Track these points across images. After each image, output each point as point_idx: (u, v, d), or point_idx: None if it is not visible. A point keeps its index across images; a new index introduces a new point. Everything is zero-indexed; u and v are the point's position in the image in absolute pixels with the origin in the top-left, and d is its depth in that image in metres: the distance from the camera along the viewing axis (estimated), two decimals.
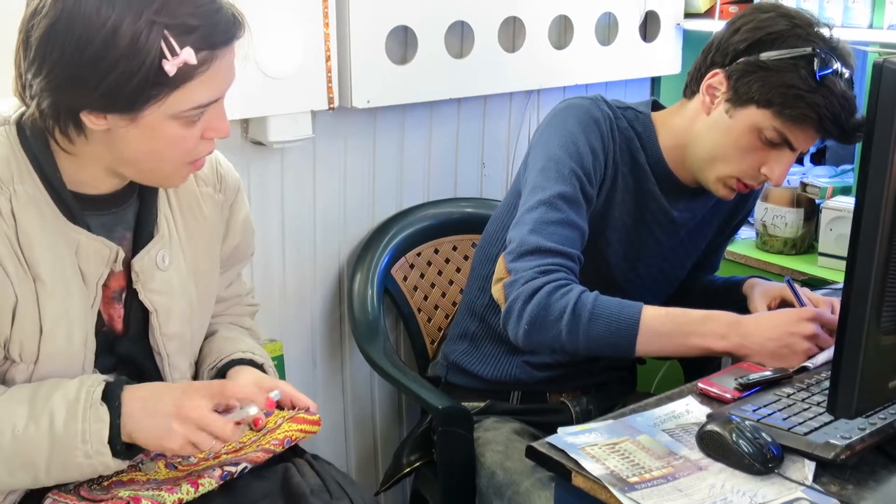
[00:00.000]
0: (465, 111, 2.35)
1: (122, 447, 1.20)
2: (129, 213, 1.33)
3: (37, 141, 1.23)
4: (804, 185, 2.30)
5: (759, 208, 2.28)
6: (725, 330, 1.49)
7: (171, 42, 1.11)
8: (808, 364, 1.44)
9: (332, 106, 2.01)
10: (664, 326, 1.50)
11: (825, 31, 1.55)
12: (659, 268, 1.79)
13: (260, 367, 1.45)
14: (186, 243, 1.39)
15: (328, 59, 1.98)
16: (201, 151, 1.26)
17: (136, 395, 1.22)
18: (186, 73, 1.14)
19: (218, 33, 1.16)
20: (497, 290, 1.60)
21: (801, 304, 1.61)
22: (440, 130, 2.33)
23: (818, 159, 2.70)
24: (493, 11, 2.22)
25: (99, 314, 1.31)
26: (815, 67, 1.50)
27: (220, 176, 1.44)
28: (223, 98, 1.24)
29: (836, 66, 1.51)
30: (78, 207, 1.26)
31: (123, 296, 1.34)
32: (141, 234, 1.33)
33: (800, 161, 2.71)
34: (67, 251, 1.25)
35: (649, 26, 2.53)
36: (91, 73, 1.12)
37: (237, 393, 1.27)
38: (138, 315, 1.35)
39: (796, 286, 1.64)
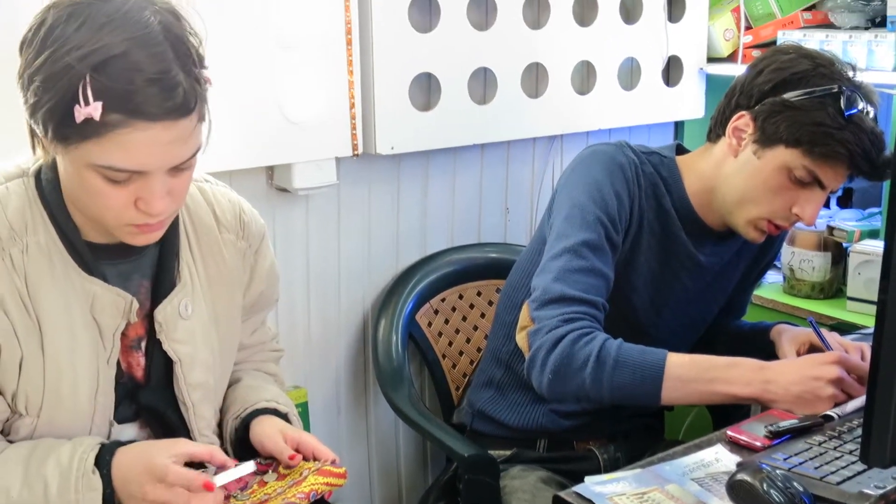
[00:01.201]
0: (488, 157, 2.36)
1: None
2: (147, 261, 1.32)
3: (52, 192, 1.24)
4: (831, 229, 2.28)
5: (786, 252, 2.26)
6: (750, 376, 1.47)
7: (87, 90, 1.08)
8: (836, 413, 1.42)
9: (356, 153, 2.02)
10: (689, 373, 1.49)
11: (848, 70, 1.55)
12: (685, 312, 1.77)
13: (284, 416, 1.44)
14: (208, 290, 1.38)
15: (352, 106, 1.99)
16: (135, 219, 1.20)
17: (123, 461, 1.21)
18: (96, 127, 1.10)
19: (142, 104, 1.10)
20: (521, 339, 1.59)
21: (826, 346, 1.59)
22: (464, 176, 2.33)
23: (845, 202, 2.67)
24: (516, 58, 2.23)
25: (119, 365, 1.31)
26: (843, 105, 1.50)
27: (244, 223, 1.43)
28: (158, 173, 1.16)
29: (862, 103, 1.51)
30: (92, 258, 1.26)
31: (143, 344, 1.33)
32: (161, 281, 1.32)
33: (826, 205, 2.69)
34: (79, 304, 1.25)
35: (672, 71, 2.54)
36: (35, 87, 1.11)
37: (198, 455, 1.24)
38: (160, 364, 1.34)
39: (821, 329, 1.62)
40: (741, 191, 1.61)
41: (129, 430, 1.35)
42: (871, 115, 1.54)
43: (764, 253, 1.85)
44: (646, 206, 1.67)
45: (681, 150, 1.76)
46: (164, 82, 1.10)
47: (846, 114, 1.50)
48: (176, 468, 1.19)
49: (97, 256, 1.27)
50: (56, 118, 1.11)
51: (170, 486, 1.18)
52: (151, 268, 1.33)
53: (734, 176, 1.62)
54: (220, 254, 1.40)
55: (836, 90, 1.51)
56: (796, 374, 1.46)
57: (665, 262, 1.71)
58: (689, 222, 1.69)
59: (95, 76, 1.08)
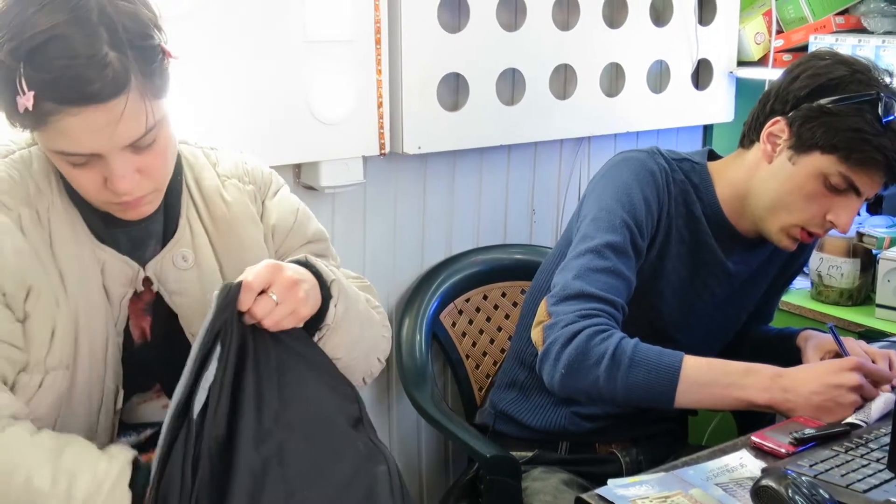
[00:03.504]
0: (515, 158, 2.36)
1: None
2: (158, 225, 1.33)
3: None
4: (860, 235, 2.26)
5: (815, 258, 2.24)
6: (768, 383, 1.46)
7: (22, 81, 1.10)
8: (861, 422, 1.41)
9: (383, 152, 2.02)
10: (705, 377, 1.47)
11: (885, 77, 1.54)
12: (713, 320, 1.76)
13: (302, 261, 1.32)
14: (216, 236, 1.38)
15: (380, 105, 2.00)
16: (111, 198, 1.21)
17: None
18: (35, 118, 1.12)
19: (66, 90, 1.10)
20: (536, 333, 1.58)
21: (845, 353, 1.57)
22: (490, 177, 2.33)
23: (875, 209, 2.65)
24: (545, 59, 2.22)
25: (129, 331, 1.32)
26: (880, 111, 1.48)
27: (246, 170, 1.44)
28: (113, 154, 1.17)
29: None
30: (102, 226, 1.28)
31: (152, 305, 1.34)
32: (166, 240, 1.34)
33: None
34: (95, 270, 1.27)
35: (701, 74, 2.52)
36: None
37: None
38: (163, 320, 1.35)
39: (841, 337, 1.61)
40: (775, 197, 1.59)
41: (144, 397, 1.36)
42: None
43: (793, 260, 1.83)
44: (675, 213, 1.66)
45: (712, 155, 1.75)
46: (91, 66, 1.10)
47: (884, 120, 1.48)
48: None
49: (109, 224, 1.28)
50: (6, 108, 1.14)
51: None
52: (160, 231, 1.34)
53: (768, 182, 1.60)
54: (220, 197, 1.39)
55: (873, 96, 1.50)
56: (816, 383, 1.44)
57: (694, 269, 1.69)
58: (719, 229, 1.68)
59: (28, 67, 1.09)
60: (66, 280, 1.25)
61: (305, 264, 1.32)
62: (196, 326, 1.32)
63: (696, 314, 1.73)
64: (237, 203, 1.41)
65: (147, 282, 1.33)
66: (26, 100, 1.10)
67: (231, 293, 1.21)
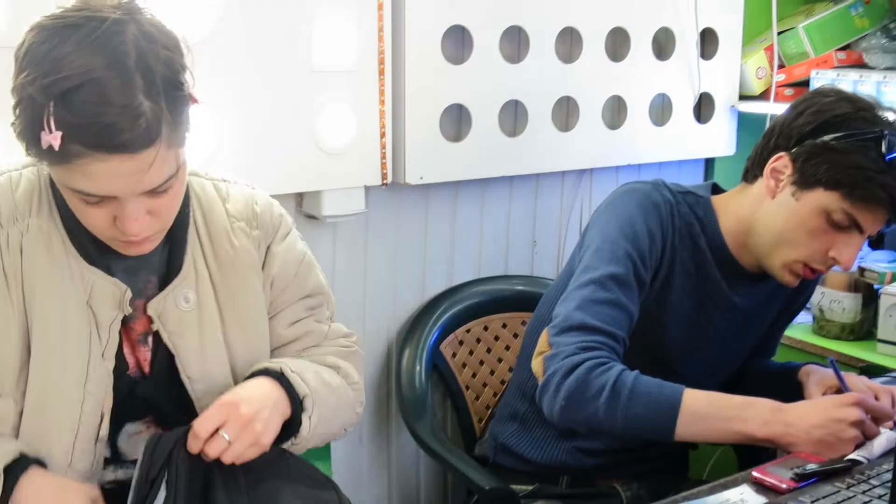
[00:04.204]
0: (517, 189, 2.36)
1: None
2: (155, 258, 1.33)
3: None
4: (862, 270, 2.26)
5: (816, 293, 2.24)
6: (769, 417, 1.45)
7: (50, 119, 1.09)
8: (863, 458, 1.40)
9: (385, 182, 2.03)
10: (705, 409, 1.47)
11: (889, 115, 1.54)
12: (717, 353, 1.75)
13: (276, 373, 1.35)
14: (220, 280, 1.37)
15: (383, 135, 2.00)
16: (118, 236, 1.22)
17: (36, 485, 1.22)
18: (58, 156, 1.11)
19: (96, 136, 1.09)
20: (537, 364, 1.57)
21: (845, 388, 1.57)
22: (492, 208, 2.33)
23: (877, 244, 2.65)
24: (547, 91, 2.23)
25: (123, 359, 1.32)
26: (884, 149, 1.48)
27: (255, 213, 1.42)
28: (131, 199, 1.17)
29: None
30: (96, 251, 1.28)
31: (150, 339, 1.34)
32: (170, 276, 1.34)
33: None
34: (76, 292, 1.26)
35: (703, 108, 2.53)
36: (14, 104, 1.13)
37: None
38: (163, 357, 1.34)
39: (842, 372, 1.60)
40: (778, 233, 1.59)
41: (136, 427, 1.36)
42: None
43: (798, 294, 1.83)
44: (679, 246, 1.65)
45: (716, 189, 1.75)
46: (126, 115, 1.09)
47: (887, 158, 1.48)
48: None
49: (103, 250, 1.28)
50: (27, 140, 1.13)
51: None
52: (160, 264, 1.34)
53: (771, 217, 1.60)
54: (228, 242, 1.38)
55: (877, 134, 1.49)
56: (817, 417, 1.43)
57: (699, 302, 1.69)
58: (723, 263, 1.68)
59: (58, 107, 1.09)
60: (34, 306, 1.24)
61: (279, 376, 1.35)
62: (192, 369, 1.35)
63: (699, 347, 1.72)
64: (243, 250, 1.40)
65: (138, 310, 1.32)
66: (53, 138, 1.09)
67: (160, 444, 1.24)
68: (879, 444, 1.43)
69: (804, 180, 1.55)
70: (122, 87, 1.09)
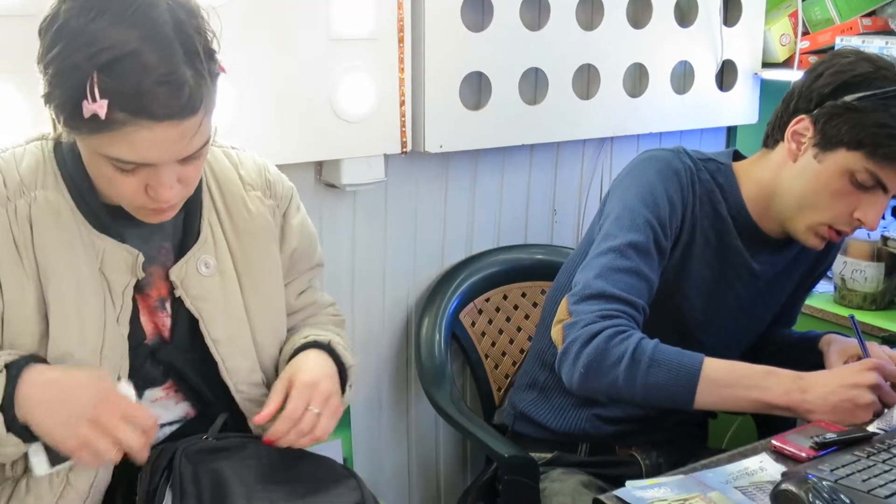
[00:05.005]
0: (537, 158, 2.35)
1: (13, 419, 1.17)
2: (169, 224, 1.35)
3: (72, 155, 1.27)
4: (885, 239, 2.24)
5: (838, 262, 2.23)
6: (788, 385, 1.45)
7: (95, 88, 1.10)
8: (882, 430, 1.40)
9: (405, 150, 2.02)
10: (725, 378, 1.47)
11: None
12: (737, 321, 1.75)
13: (327, 346, 1.46)
14: (236, 245, 1.40)
15: (402, 103, 1.99)
16: (147, 203, 1.23)
17: (40, 379, 1.19)
18: (101, 124, 1.12)
19: (145, 104, 1.12)
20: (556, 331, 1.57)
21: (864, 350, 1.57)
22: (512, 176, 2.32)
23: None
24: (568, 59, 2.22)
25: (140, 325, 1.33)
26: None
27: (269, 182, 1.46)
28: (166, 166, 1.19)
29: None
30: (109, 218, 1.29)
31: (168, 305, 1.36)
32: (185, 243, 1.36)
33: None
34: (88, 259, 1.27)
35: (726, 75, 2.51)
36: (47, 75, 1.14)
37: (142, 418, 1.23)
38: (184, 322, 1.36)
39: (862, 335, 1.60)
40: (801, 196, 1.58)
41: (156, 393, 1.38)
42: None
43: (819, 261, 1.82)
44: (700, 213, 1.65)
45: (738, 156, 1.74)
46: (171, 83, 1.12)
47: None
48: (141, 406, 1.25)
49: (116, 218, 1.30)
50: (66, 111, 1.14)
51: (128, 419, 1.20)
52: (174, 230, 1.36)
53: (794, 181, 1.59)
54: (245, 207, 1.42)
55: None
56: (833, 384, 1.43)
57: (719, 270, 1.68)
58: (745, 230, 1.67)
59: (102, 75, 1.10)
60: (48, 274, 1.25)
61: (329, 348, 1.45)
62: (216, 331, 1.37)
63: (720, 315, 1.72)
64: (260, 216, 1.43)
65: (153, 276, 1.34)
66: (98, 107, 1.11)
67: (161, 455, 1.30)
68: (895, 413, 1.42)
69: (826, 142, 1.54)
70: (165, 57, 1.12)
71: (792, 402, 1.44)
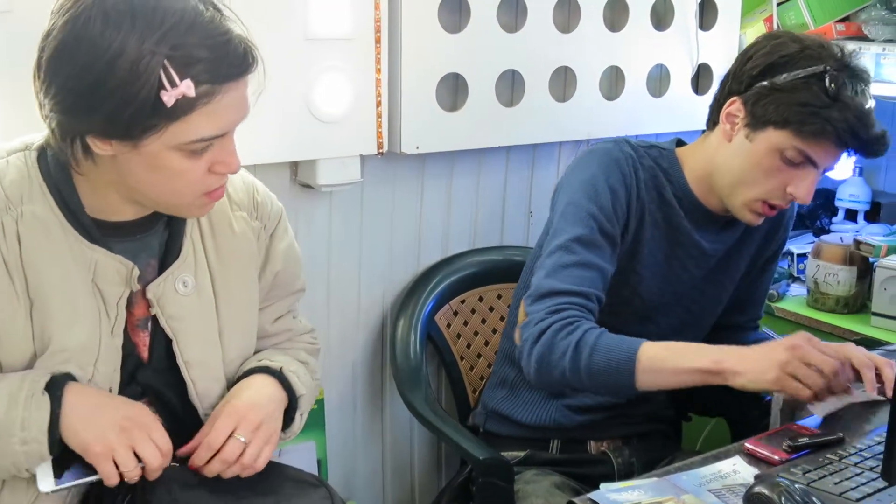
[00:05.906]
0: (513, 159, 2.35)
1: (57, 440, 1.20)
2: (155, 240, 1.33)
3: (57, 166, 1.25)
4: (858, 243, 2.26)
5: (811, 265, 2.24)
6: (717, 353, 1.47)
7: (171, 73, 1.11)
8: (818, 412, 1.45)
9: (381, 151, 2.02)
10: (661, 355, 1.50)
11: (836, 51, 1.57)
12: (693, 300, 1.78)
13: (277, 372, 1.42)
14: (217, 265, 1.38)
15: (379, 104, 1.99)
16: (211, 185, 1.25)
17: (80, 393, 1.23)
18: (186, 106, 1.14)
19: (223, 67, 1.15)
20: (517, 333, 1.63)
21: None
22: (488, 178, 2.32)
23: (872, 217, 2.65)
24: (545, 61, 2.22)
25: (130, 338, 1.31)
26: (827, 84, 1.52)
27: (257, 203, 1.44)
28: (232, 132, 1.23)
29: (849, 82, 1.53)
30: (98, 232, 1.27)
31: (149, 324, 1.34)
32: (167, 260, 1.34)
33: (853, 219, 2.67)
34: (81, 272, 1.25)
35: (701, 79, 2.52)
36: (92, 98, 1.13)
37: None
38: (161, 342, 1.34)
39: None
40: (736, 174, 1.63)
41: None
42: (861, 90, 1.55)
43: (768, 241, 1.85)
44: (647, 197, 1.69)
45: (681, 143, 1.79)
46: (230, 41, 1.16)
47: (830, 92, 1.52)
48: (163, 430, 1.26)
49: (104, 233, 1.28)
50: (144, 115, 1.13)
51: (152, 438, 1.24)
52: (159, 247, 1.34)
53: (729, 160, 1.64)
54: (229, 228, 1.40)
55: (821, 70, 1.53)
56: (758, 350, 1.47)
57: (670, 251, 1.72)
58: (691, 210, 1.71)
59: (174, 58, 1.11)
60: (40, 290, 1.23)
61: (279, 375, 1.41)
62: (189, 353, 1.35)
63: (676, 295, 1.76)
64: (243, 237, 1.41)
65: (137, 294, 1.32)
66: (185, 88, 1.12)
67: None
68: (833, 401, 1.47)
69: (755, 122, 1.59)
70: (217, 19, 1.16)
71: (727, 365, 1.45)
